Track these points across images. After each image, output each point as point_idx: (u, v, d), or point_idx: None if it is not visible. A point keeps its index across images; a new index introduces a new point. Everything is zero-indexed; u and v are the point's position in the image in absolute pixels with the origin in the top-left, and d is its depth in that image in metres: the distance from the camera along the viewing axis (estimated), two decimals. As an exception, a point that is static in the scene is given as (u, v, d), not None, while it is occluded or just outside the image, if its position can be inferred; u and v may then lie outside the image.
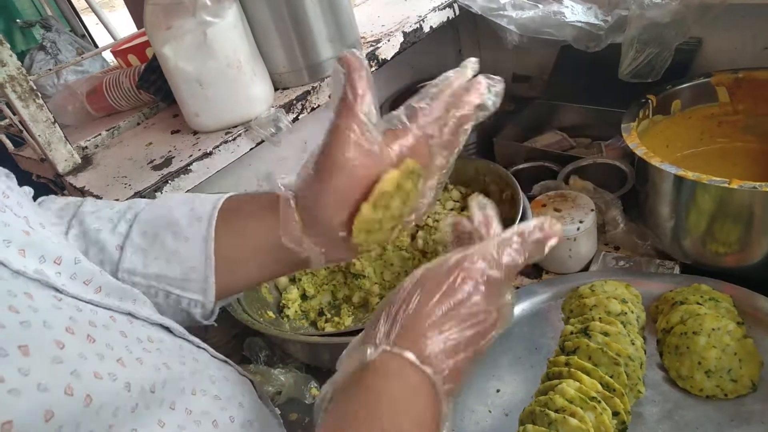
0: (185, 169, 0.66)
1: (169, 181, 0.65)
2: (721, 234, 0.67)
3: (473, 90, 0.45)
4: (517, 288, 0.76)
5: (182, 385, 0.35)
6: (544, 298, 0.73)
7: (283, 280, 0.82)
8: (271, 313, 0.77)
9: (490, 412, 0.62)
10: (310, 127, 1.00)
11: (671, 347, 0.60)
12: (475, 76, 0.46)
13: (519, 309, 0.72)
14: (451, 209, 0.83)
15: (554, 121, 1.05)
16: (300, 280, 0.81)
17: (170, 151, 0.70)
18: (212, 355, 0.41)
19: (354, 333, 0.61)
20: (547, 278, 0.78)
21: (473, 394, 0.64)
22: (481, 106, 0.44)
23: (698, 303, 0.61)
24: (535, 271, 0.80)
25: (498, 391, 0.64)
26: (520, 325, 0.71)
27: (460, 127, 0.45)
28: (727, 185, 0.61)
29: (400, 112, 0.43)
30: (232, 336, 0.79)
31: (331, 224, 0.41)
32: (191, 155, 0.68)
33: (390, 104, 1.10)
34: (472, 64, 0.46)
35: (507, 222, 0.76)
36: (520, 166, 0.94)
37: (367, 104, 0.40)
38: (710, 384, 0.56)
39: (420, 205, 0.45)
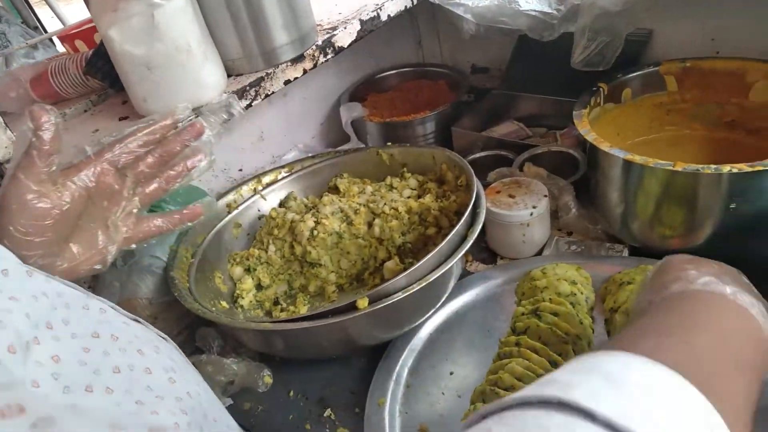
0: (132, 155, 0.64)
1: (115, 167, 0.63)
2: (668, 217, 0.69)
3: (185, 131, 0.57)
4: (471, 274, 0.76)
5: (95, 329, 0.36)
6: (498, 283, 0.74)
7: (238, 271, 0.80)
8: (224, 304, 0.75)
9: (443, 394, 0.62)
10: (265, 116, 0.99)
11: (618, 326, 0.61)
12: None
13: (473, 294, 0.73)
14: (408, 197, 0.83)
15: (511, 111, 1.06)
16: (255, 270, 0.80)
17: (117, 137, 0.68)
18: (120, 312, 0.41)
19: (307, 319, 0.60)
20: (502, 263, 0.78)
21: (428, 377, 0.64)
22: (194, 148, 0.57)
23: (644, 283, 0.63)
24: (489, 256, 0.81)
25: (451, 373, 0.64)
26: (474, 309, 0.71)
27: (166, 162, 0.57)
28: (671, 168, 0.62)
29: (90, 147, 0.53)
30: (184, 327, 0.77)
31: (19, 256, 0.46)
32: (139, 141, 0.66)
33: (349, 95, 1.10)
34: (181, 108, 0.58)
35: (462, 209, 0.77)
36: (477, 155, 0.95)
37: (48, 156, 0.47)
38: (655, 361, 0.58)
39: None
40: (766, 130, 0.77)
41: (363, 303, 0.59)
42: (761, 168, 0.58)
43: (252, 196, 0.88)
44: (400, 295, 0.60)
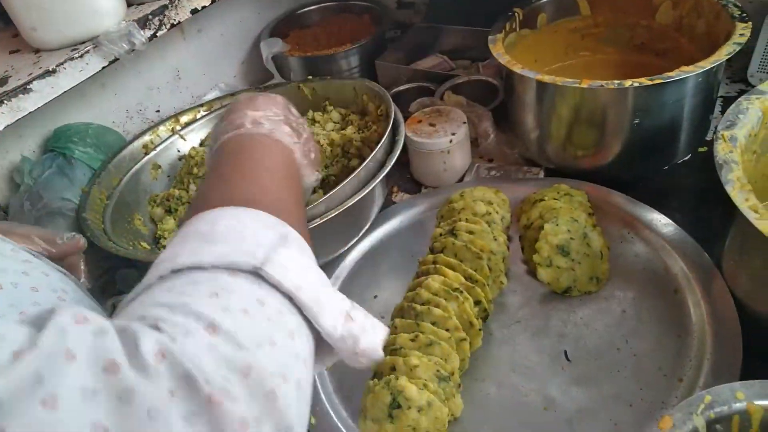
0: (24, 89, 0.60)
1: (5, 102, 0.59)
2: (579, 137, 0.71)
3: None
4: (395, 204, 0.77)
5: None
6: (421, 210, 0.75)
7: (159, 212, 0.78)
8: (146, 245, 0.73)
9: (366, 316, 0.63)
10: (180, 54, 0.95)
11: (531, 241, 0.63)
12: None
13: (397, 222, 0.74)
14: (332, 130, 0.82)
15: (437, 45, 1.05)
16: (176, 210, 0.78)
17: (7, 71, 0.64)
18: (7, 241, 0.40)
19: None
20: (425, 192, 0.79)
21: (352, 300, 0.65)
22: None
23: (555, 199, 0.65)
24: (414, 187, 0.81)
25: (375, 297, 0.65)
26: (398, 236, 0.72)
27: None
28: (578, 85, 0.64)
29: None
30: (104, 271, 0.74)
31: None
32: (31, 73, 0.62)
33: (270, 31, 1.06)
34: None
35: (383, 138, 0.76)
36: (402, 87, 0.94)
37: None
38: (560, 272, 0.61)
39: None
40: (671, 51, 0.80)
41: (281, 231, 0.59)
42: (660, 81, 0.60)
43: (170, 136, 0.85)
44: (317, 221, 0.60)
